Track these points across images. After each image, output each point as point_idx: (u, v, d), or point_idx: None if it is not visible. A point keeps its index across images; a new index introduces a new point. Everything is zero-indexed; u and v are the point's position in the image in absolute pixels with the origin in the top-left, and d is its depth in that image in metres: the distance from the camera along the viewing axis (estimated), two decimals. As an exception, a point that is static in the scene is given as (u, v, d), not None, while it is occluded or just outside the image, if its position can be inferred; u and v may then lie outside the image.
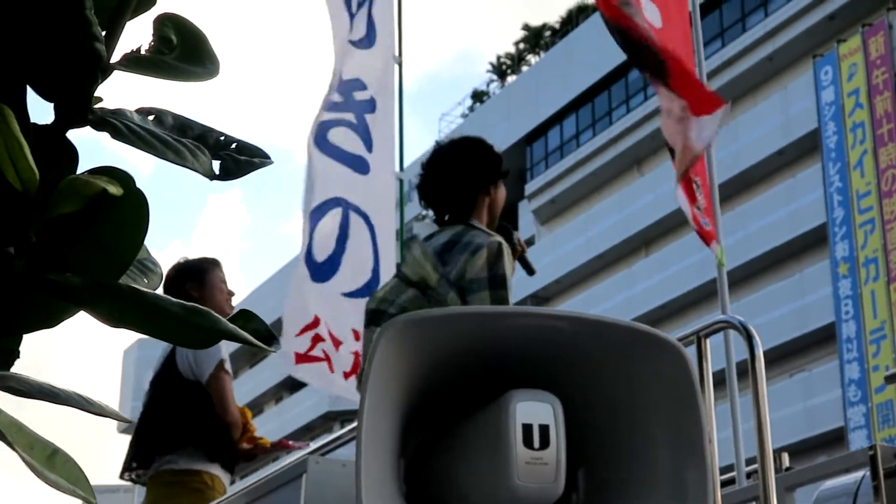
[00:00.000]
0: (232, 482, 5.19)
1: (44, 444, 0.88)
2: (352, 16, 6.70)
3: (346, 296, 6.37)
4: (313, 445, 5.40)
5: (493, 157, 4.13)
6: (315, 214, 6.28)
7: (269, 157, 0.89)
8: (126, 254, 0.76)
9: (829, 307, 25.96)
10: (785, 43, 31.47)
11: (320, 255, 6.31)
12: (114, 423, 57.45)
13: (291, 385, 49.80)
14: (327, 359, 6.32)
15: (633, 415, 2.23)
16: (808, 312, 28.41)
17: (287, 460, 4.21)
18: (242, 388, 48.21)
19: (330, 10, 6.64)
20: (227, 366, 4.99)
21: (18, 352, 0.86)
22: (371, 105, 6.63)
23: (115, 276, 0.77)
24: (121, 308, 0.75)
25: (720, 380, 3.91)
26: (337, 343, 6.26)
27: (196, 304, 0.76)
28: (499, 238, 3.90)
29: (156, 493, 4.98)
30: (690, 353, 2.40)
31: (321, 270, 6.33)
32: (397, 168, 7.01)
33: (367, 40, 6.74)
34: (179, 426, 4.94)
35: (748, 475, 4.79)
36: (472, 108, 49.06)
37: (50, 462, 0.87)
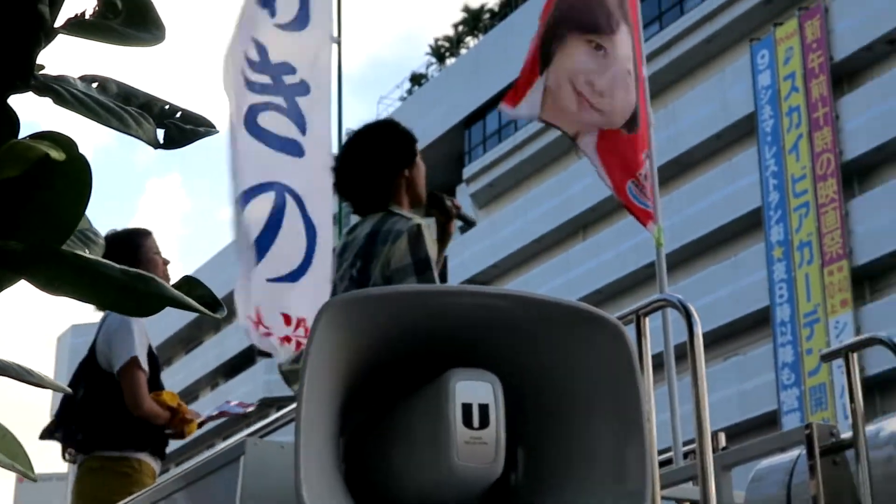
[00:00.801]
0: (164, 470, 5.18)
1: (-18, 417, 0.86)
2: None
3: (273, 281, 6.32)
4: (248, 430, 5.38)
5: (402, 138, 4.13)
6: (243, 199, 6.21)
7: (214, 126, 0.88)
8: (69, 220, 0.75)
9: (764, 290, 26.23)
10: (723, 26, 31.67)
11: (249, 239, 6.24)
12: (46, 415, 57.00)
13: (226, 372, 49.62)
14: (269, 335, 6.28)
15: (573, 394, 2.23)
16: (744, 296, 28.68)
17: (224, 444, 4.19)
18: (177, 375, 47.93)
19: None
20: (142, 362, 4.94)
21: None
22: (304, 87, 6.56)
23: (58, 244, 0.76)
24: (62, 275, 0.74)
25: (658, 364, 3.94)
26: (267, 333, 6.21)
27: (140, 271, 0.75)
28: (417, 220, 3.91)
29: (84, 479, 4.99)
30: (630, 332, 2.41)
31: (258, 254, 6.27)
32: (335, 150, 6.96)
33: (298, 23, 6.66)
34: (100, 421, 4.94)
35: (685, 455, 4.83)
36: (410, 91, 48.99)
37: (-12, 436, 0.86)
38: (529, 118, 6.37)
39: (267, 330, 6.00)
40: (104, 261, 0.76)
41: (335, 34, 7.10)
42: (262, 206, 6.20)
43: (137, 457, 4.93)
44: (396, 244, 3.82)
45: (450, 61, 48.09)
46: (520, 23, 38.89)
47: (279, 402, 40.06)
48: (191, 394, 48.63)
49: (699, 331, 3.40)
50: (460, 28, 50.76)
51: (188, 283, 0.77)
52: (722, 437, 4.61)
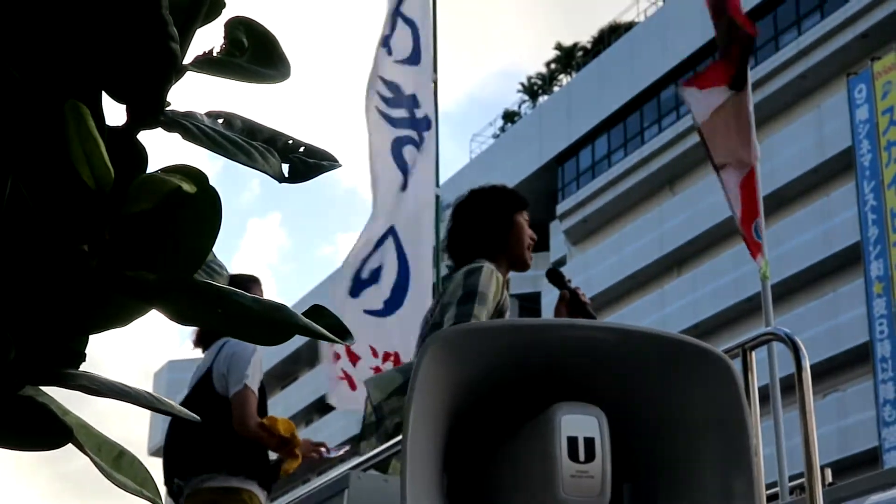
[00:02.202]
0: (272, 500, 5.20)
1: (111, 445, 0.88)
2: (391, 33, 6.77)
3: (368, 313, 6.43)
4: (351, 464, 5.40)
5: (498, 203, 4.20)
6: (379, 243, 6.41)
7: (337, 161, 0.89)
8: (199, 251, 0.77)
9: (864, 326, 25.78)
10: (818, 61, 31.37)
11: (363, 273, 6.40)
12: (144, 445, 57.64)
13: (321, 407, 49.83)
14: (347, 377, 6.38)
15: (679, 427, 2.22)
16: (842, 332, 28.24)
17: (329, 476, 4.20)
18: (273, 410, 47.81)
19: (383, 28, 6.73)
20: (252, 383, 5.00)
21: (85, 353, 0.87)
22: (427, 122, 6.70)
23: (189, 275, 0.77)
24: (195, 305, 0.76)
25: (763, 396, 3.89)
26: (355, 358, 6.33)
27: (272, 300, 0.76)
28: (485, 263, 3.96)
29: None
30: (735, 366, 2.38)
31: (356, 287, 6.42)
32: (433, 185, 7.05)
33: (412, 58, 6.80)
34: (215, 444, 4.95)
35: (791, 490, 4.76)
36: (503, 129, 49.08)
37: (117, 463, 0.87)
38: (693, 114, 6.33)
39: (343, 373, 6.12)
40: (236, 290, 0.77)
41: (433, 72, 7.20)
42: (367, 238, 6.34)
43: (247, 487, 4.92)
44: (452, 282, 3.91)
45: (542, 99, 48.12)
46: (611, 60, 38.85)
47: (374, 439, 40.10)
48: (287, 430, 48.86)
49: (807, 364, 3.36)
50: (553, 66, 50.82)
51: (317, 312, 0.78)
52: (828, 473, 4.54)
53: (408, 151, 6.55)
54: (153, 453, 54.57)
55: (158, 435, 55.67)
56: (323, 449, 5.49)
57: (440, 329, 2.34)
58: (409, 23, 6.80)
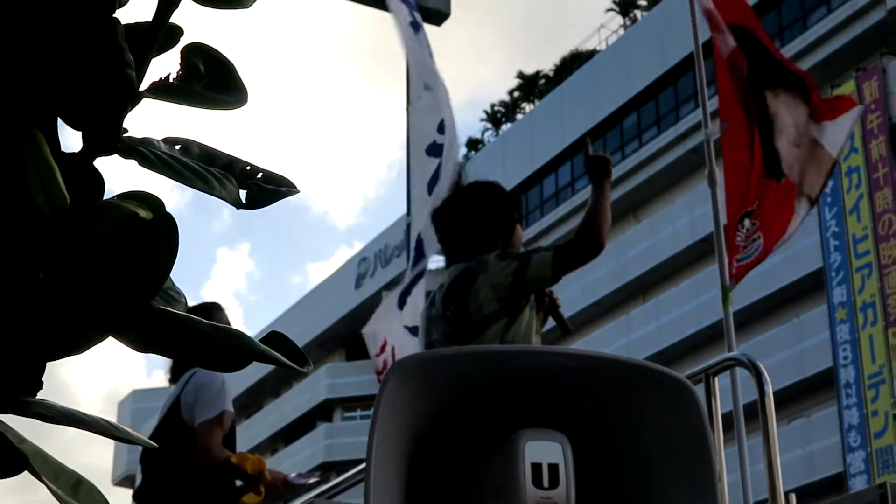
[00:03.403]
0: None
1: (68, 473, 0.88)
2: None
3: (407, 330, 6.56)
4: (315, 492, 5.38)
5: (508, 202, 4.20)
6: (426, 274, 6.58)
7: (295, 187, 0.89)
8: (156, 278, 0.76)
9: (828, 352, 25.95)
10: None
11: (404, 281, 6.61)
12: (108, 474, 57.19)
13: (286, 437, 49.67)
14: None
15: (643, 453, 2.22)
16: (807, 357, 28.39)
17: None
18: (238, 440, 47.65)
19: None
20: (220, 415, 4.97)
21: (42, 381, 0.86)
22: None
23: (146, 301, 0.77)
24: (153, 331, 0.75)
25: (728, 422, 3.89)
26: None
27: (229, 327, 0.76)
28: (514, 249, 3.98)
29: None
30: (699, 391, 2.39)
31: (402, 299, 6.59)
32: (405, 212, 7.30)
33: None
34: (181, 477, 4.92)
35: (756, 517, 4.77)
36: (466, 157, 49.18)
37: (74, 491, 0.87)
38: (829, 146, 6.36)
39: (384, 365, 6.24)
40: (193, 317, 0.77)
41: (406, 101, 7.36)
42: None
43: None
44: (500, 265, 3.85)
45: (505, 126, 48.28)
46: (574, 87, 39.05)
47: (339, 466, 40.05)
48: (252, 461, 48.63)
49: (770, 390, 3.37)
50: (516, 93, 51.00)
51: (276, 339, 0.78)
52: (793, 499, 4.55)
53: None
54: (117, 483, 54.18)
55: (123, 464, 55.35)
56: (293, 475, 5.47)
57: (425, 351, 2.33)
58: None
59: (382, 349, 6.46)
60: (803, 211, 6.18)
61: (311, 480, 5.80)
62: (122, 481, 52.97)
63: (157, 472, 5.03)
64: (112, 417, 0.91)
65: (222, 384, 5.01)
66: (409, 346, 6.38)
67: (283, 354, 0.77)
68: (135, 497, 5.11)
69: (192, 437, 4.94)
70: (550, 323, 4.31)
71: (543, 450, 2.08)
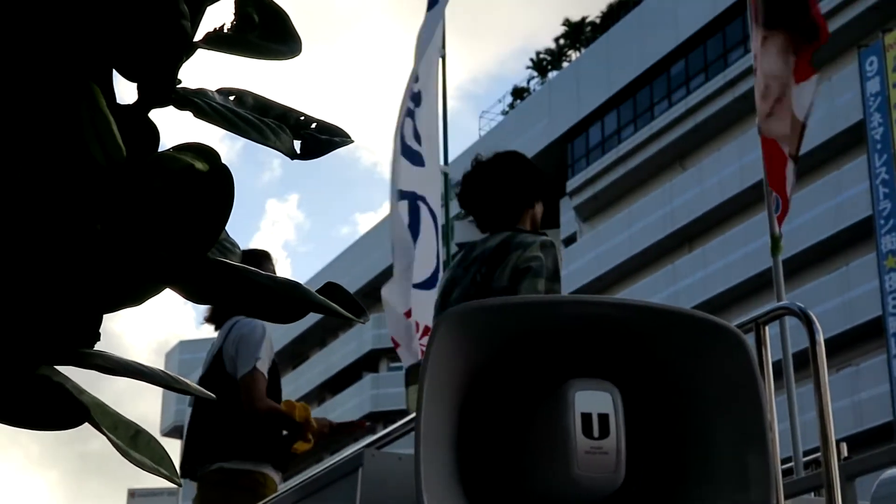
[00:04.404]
0: (285, 479, 5.20)
1: (127, 424, 0.88)
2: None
3: (416, 287, 6.40)
4: (365, 442, 5.41)
5: (540, 175, 4.24)
6: (399, 198, 6.39)
7: (349, 136, 0.89)
8: (212, 230, 0.76)
9: (877, 301, 25.74)
10: (829, 34, 31.22)
11: (406, 239, 6.41)
12: (156, 425, 57.77)
13: (333, 387, 49.95)
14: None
15: (694, 403, 2.21)
16: (855, 306, 28.19)
17: (342, 454, 4.20)
18: (285, 390, 47.78)
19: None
20: (261, 365, 4.99)
21: (99, 333, 0.86)
22: (417, 98, 6.68)
23: (202, 253, 0.77)
24: (209, 283, 0.75)
25: (776, 371, 3.87)
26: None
27: (287, 277, 0.76)
28: (549, 238, 3.98)
29: (206, 492, 4.99)
30: (749, 341, 2.38)
31: (409, 256, 6.40)
32: (442, 162, 7.06)
33: (427, 36, 6.82)
34: (228, 427, 4.95)
35: (806, 465, 4.75)
36: (512, 106, 49.00)
37: (134, 442, 0.87)
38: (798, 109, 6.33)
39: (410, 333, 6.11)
40: (251, 268, 0.77)
41: (441, 46, 7.20)
42: (403, 213, 6.33)
43: (261, 470, 4.93)
44: (528, 250, 3.89)
45: (552, 74, 48.02)
46: (620, 35, 38.72)
47: (387, 417, 40.29)
48: (300, 410, 48.96)
49: (821, 339, 3.35)
50: (562, 41, 50.67)
51: (331, 289, 0.78)
52: (844, 448, 4.53)
53: (408, 124, 6.55)
54: (166, 433, 54.73)
55: (171, 415, 55.89)
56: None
57: (474, 301, 2.32)
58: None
59: (409, 314, 6.30)
60: (790, 172, 6.16)
61: (367, 424, 5.81)
62: (171, 432, 53.51)
63: (205, 423, 5.06)
64: (160, 368, 0.91)
65: (262, 335, 5.02)
66: (419, 301, 6.27)
67: (338, 304, 0.76)
68: (184, 448, 5.14)
69: (237, 388, 4.97)
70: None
71: (593, 399, 2.08)
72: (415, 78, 6.65)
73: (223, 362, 5.05)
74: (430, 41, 6.80)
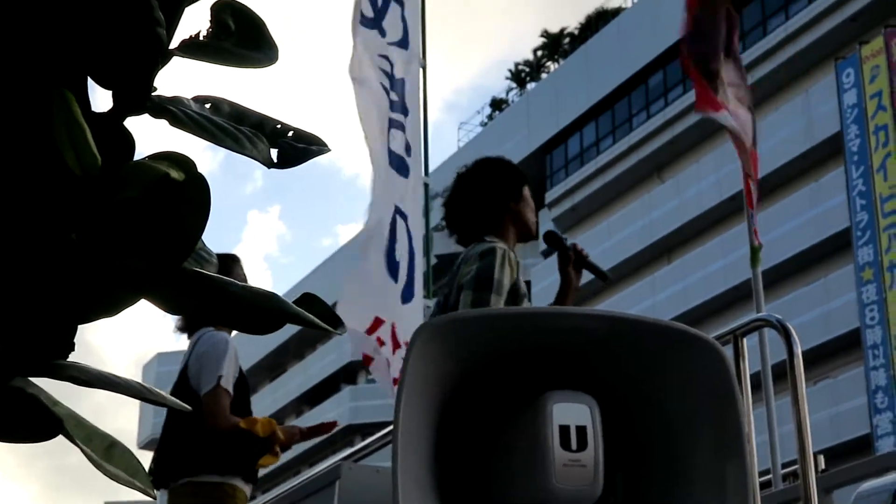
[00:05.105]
0: (263, 492, 5.18)
1: (101, 435, 0.87)
2: (381, 16, 6.68)
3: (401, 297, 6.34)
4: (342, 455, 5.38)
5: (508, 172, 4.16)
6: (392, 223, 6.32)
7: (326, 145, 0.88)
8: (189, 240, 0.75)
9: (855, 312, 25.83)
10: (806, 46, 31.38)
11: (395, 253, 6.29)
12: (134, 438, 57.56)
13: (311, 399, 49.84)
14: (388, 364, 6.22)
15: (671, 415, 2.21)
16: (833, 318, 28.29)
17: (320, 467, 4.19)
18: (262, 402, 48.24)
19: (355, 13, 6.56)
20: (225, 382, 4.96)
21: (74, 343, 0.85)
22: (405, 107, 6.65)
23: (178, 263, 0.76)
24: (185, 293, 0.75)
25: (754, 383, 3.88)
26: (397, 347, 6.15)
27: (262, 288, 0.75)
28: (497, 244, 3.91)
29: None
30: (727, 352, 2.38)
31: (393, 270, 6.28)
32: (423, 173, 7.02)
33: (402, 42, 6.74)
34: (195, 441, 4.94)
35: (784, 478, 4.76)
36: (490, 117, 49.05)
37: (108, 454, 0.86)
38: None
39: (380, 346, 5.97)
40: (226, 278, 0.76)
41: (421, 57, 7.16)
42: (382, 224, 6.26)
43: (230, 482, 4.92)
44: (468, 263, 3.85)
45: (530, 86, 48.09)
46: (599, 46, 38.83)
47: (364, 430, 40.21)
48: (276, 421, 48.82)
49: (799, 351, 3.35)
50: (540, 52, 50.77)
51: (308, 300, 0.77)
52: (821, 460, 4.54)
53: (397, 136, 6.48)
54: (143, 446, 54.53)
55: (149, 428, 55.66)
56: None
57: (453, 312, 2.32)
58: (400, 3, 6.72)
59: (374, 328, 6.14)
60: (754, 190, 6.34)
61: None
62: (148, 444, 53.33)
63: (174, 437, 5.06)
64: (137, 380, 0.90)
65: (225, 349, 4.98)
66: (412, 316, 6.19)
67: (315, 316, 0.76)
68: (153, 462, 5.13)
69: (199, 404, 4.95)
70: (587, 276, 4.30)
71: (571, 412, 2.08)
72: (402, 85, 6.59)
73: (188, 377, 5.05)
74: (408, 46, 6.75)
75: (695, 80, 6.37)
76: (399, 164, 6.48)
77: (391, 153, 6.43)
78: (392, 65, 6.56)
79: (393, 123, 6.47)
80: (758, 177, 6.37)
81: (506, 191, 4.10)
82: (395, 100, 6.56)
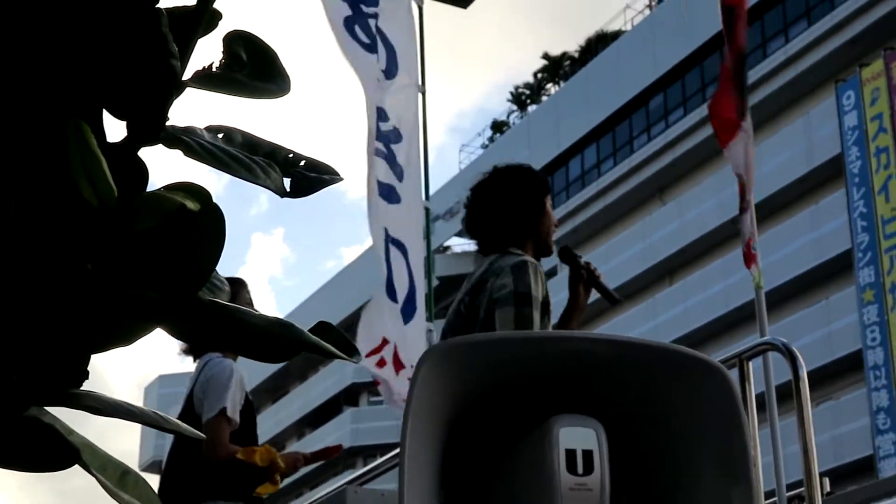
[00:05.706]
0: None
1: (116, 464, 0.88)
2: (370, 48, 6.71)
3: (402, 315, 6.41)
4: (342, 480, 5.36)
5: (534, 184, 4.13)
6: (385, 249, 6.39)
7: (338, 174, 0.89)
8: (204, 270, 0.76)
9: (856, 334, 25.81)
10: (806, 68, 31.43)
11: (392, 275, 6.38)
12: (136, 459, 57.49)
13: (313, 421, 49.77)
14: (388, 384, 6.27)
15: (677, 438, 2.21)
16: (835, 339, 28.26)
17: (325, 491, 4.18)
18: (264, 425, 48.15)
19: (343, 47, 6.58)
20: (232, 414, 4.95)
21: (87, 371, 0.86)
22: (396, 135, 6.67)
23: (193, 293, 0.77)
24: (200, 323, 0.75)
25: (758, 403, 3.87)
26: (399, 367, 6.22)
27: (278, 317, 0.75)
28: (527, 258, 3.91)
29: None
30: (732, 376, 2.38)
31: (391, 292, 6.37)
32: (423, 197, 7.04)
33: (388, 72, 6.77)
34: (199, 467, 4.94)
35: (789, 501, 4.74)
36: (492, 139, 49.11)
37: (122, 482, 0.87)
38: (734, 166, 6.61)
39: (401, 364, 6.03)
40: (242, 307, 0.76)
41: (420, 83, 7.18)
42: (377, 248, 6.33)
43: None
44: (500, 277, 3.84)
45: (531, 108, 48.17)
46: (599, 69, 38.90)
47: (366, 451, 40.15)
48: (278, 443, 48.75)
49: (804, 374, 3.35)
50: (540, 75, 50.87)
51: (324, 329, 0.78)
52: (826, 483, 4.52)
53: (380, 164, 6.51)
54: (144, 468, 54.45)
55: (150, 450, 55.60)
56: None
57: (459, 336, 2.32)
58: (383, 37, 6.74)
59: (379, 349, 6.22)
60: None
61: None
62: (149, 466, 53.28)
63: (179, 463, 5.06)
64: (139, 403, 0.91)
65: (230, 376, 4.97)
66: (416, 339, 6.25)
67: (331, 344, 0.76)
68: (160, 487, 5.13)
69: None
70: (595, 295, 4.30)
71: (577, 436, 2.08)
72: (382, 117, 6.61)
73: (194, 404, 5.05)
74: (395, 75, 6.78)
75: (722, 89, 6.52)
76: (388, 192, 6.52)
77: (379, 182, 6.47)
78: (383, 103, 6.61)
79: (377, 152, 6.51)
80: (752, 203, 6.44)
81: (532, 206, 4.08)
82: (382, 129, 6.59)
